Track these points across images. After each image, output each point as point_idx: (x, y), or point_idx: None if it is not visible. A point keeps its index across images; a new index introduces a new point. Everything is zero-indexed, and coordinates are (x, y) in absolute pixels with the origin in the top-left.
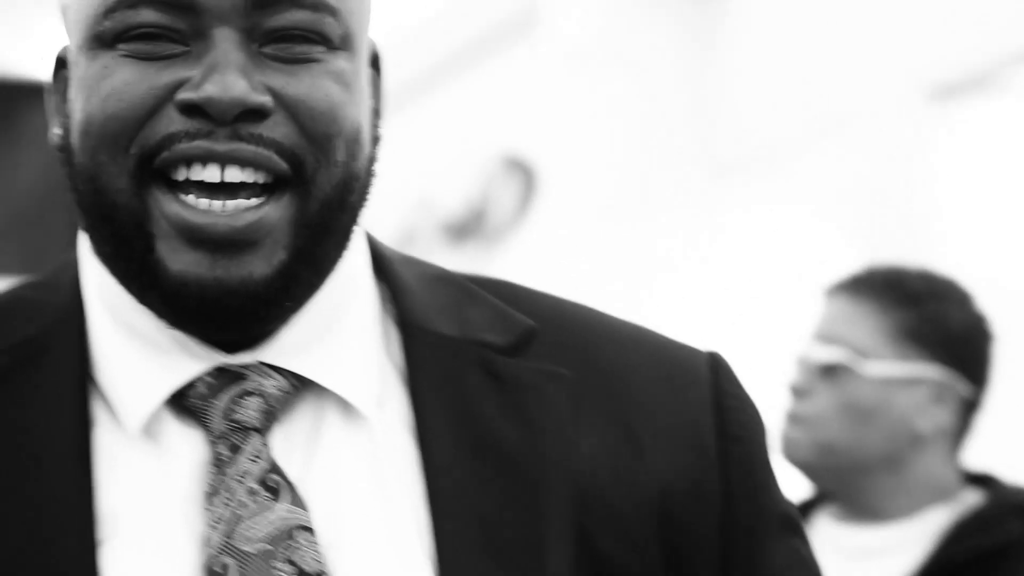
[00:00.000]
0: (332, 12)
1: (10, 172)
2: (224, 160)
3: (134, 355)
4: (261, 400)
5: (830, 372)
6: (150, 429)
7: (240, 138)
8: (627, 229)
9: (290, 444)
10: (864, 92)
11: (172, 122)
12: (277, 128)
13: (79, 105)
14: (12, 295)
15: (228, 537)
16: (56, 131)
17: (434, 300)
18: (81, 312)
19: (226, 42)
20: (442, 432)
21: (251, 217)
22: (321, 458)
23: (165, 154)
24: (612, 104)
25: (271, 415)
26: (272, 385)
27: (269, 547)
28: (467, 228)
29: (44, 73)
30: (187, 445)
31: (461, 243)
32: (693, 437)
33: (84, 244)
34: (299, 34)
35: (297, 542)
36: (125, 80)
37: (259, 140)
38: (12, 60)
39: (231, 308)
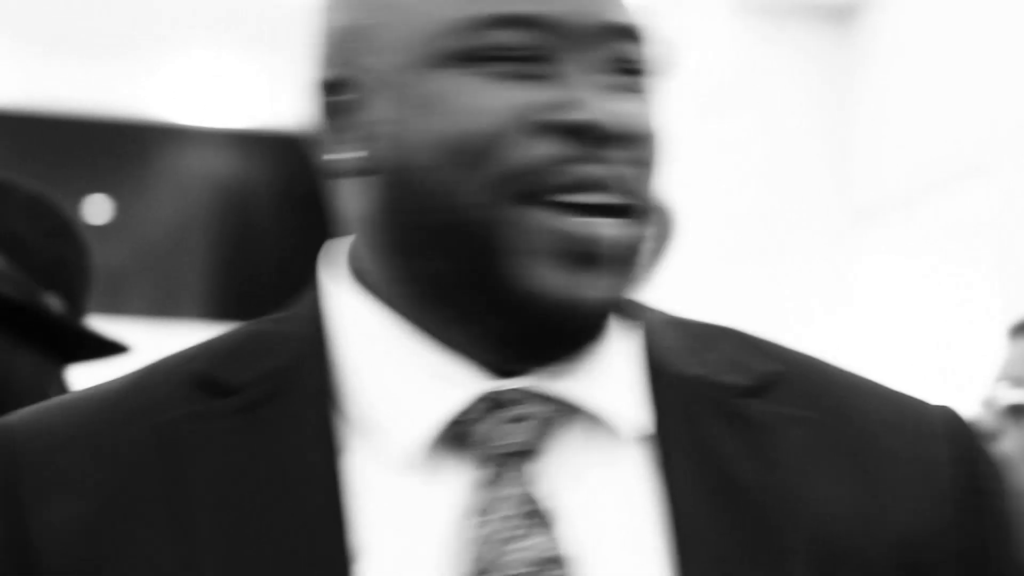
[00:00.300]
0: (654, 49)
1: (142, 214)
2: (608, 187)
3: (397, 385)
4: (525, 426)
5: (1019, 413)
6: (412, 456)
7: (611, 163)
8: (765, 273)
9: (551, 472)
10: (1005, 134)
11: (546, 144)
12: (630, 155)
13: (416, 123)
14: (256, 329)
15: (487, 563)
16: (349, 155)
17: (673, 342)
18: (324, 343)
19: (588, 67)
20: (687, 472)
21: (614, 232)
22: (581, 488)
23: (548, 177)
24: (750, 147)
25: (534, 442)
26: (537, 412)
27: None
28: None
29: (174, 115)
30: (449, 472)
31: None
32: (934, 489)
33: (332, 276)
34: (635, 67)
35: (553, 572)
36: (482, 98)
37: (624, 167)
38: (143, 102)
39: (574, 329)
